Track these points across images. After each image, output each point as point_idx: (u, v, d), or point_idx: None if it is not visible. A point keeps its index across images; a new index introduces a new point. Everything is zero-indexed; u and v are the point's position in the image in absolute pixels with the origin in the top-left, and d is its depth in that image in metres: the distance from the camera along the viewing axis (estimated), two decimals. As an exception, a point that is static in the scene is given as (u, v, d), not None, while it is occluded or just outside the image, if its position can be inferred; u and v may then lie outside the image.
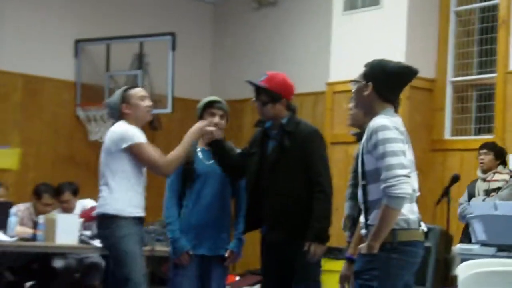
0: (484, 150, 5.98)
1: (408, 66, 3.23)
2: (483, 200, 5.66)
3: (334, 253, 5.85)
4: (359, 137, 3.57)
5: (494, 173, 5.93)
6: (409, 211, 3.12)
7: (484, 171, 5.97)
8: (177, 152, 4.09)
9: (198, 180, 4.31)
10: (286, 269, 4.08)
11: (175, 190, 4.34)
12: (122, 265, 3.98)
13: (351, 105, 3.71)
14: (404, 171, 3.02)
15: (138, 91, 4.21)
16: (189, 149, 4.15)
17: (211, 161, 4.32)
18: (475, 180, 6.03)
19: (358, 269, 3.16)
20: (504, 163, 6.00)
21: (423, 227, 3.20)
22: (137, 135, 4.05)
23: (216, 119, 4.28)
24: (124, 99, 4.15)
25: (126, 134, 4.03)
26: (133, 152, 4.02)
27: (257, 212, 4.14)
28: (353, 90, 3.27)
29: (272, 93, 4.11)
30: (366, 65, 3.24)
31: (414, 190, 3.16)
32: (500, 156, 5.99)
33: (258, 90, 4.14)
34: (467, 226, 5.83)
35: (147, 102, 4.18)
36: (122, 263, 3.98)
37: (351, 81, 3.28)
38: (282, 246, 4.07)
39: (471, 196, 5.96)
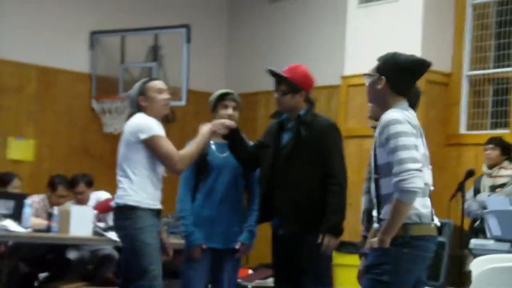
0: (491, 145, 5.91)
1: (421, 59, 3.21)
2: (488, 196, 5.60)
3: (347, 247, 5.84)
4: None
5: (500, 168, 5.86)
6: (422, 205, 3.11)
7: (490, 167, 5.91)
8: (190, 150, 4.07)
9: (211, 173, 4.30)
10: (296, 262, 4.06)
11: (189, 183, 4.34)
12: (141, 257, 3.95)
13: None
14: (416, 165, 3.01)
15: (156, 84, 4.18)
16: (201, 150, 4.13)
17: (225, 154, 4.32)
18: (481, 176, 5.97)
19: (369, 263, 3.15)
20: (510, 159, 5.93)
21: (436, 221, 3.17)
22: (154, 128, 4.02)
23: (230, 111, 4.29)
24: (142, 91, 4.14)
25: (144, 126, 4.01)
26: (149, 145, 4.00)
27: (270, 204, 4.13)
28: (366, 84, 3.25)
29: (293, 84, 4.11)
30: (379, 59, 3.22)
31: (426, 184, 3.14)
32: (507, 152, 5.92)
33: (279, 79, 4.14)
34: (473, 222, 5.79)
35: (165, 95, 4.15)
36: (141, 254, 3.95)
37: (365, 74, 3.26)
38: (293, 239, 4.06)
39: (477, 191, 5.90)
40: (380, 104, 3.22)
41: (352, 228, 6.64)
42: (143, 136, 3.99)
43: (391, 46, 6.96)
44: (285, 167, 4.07)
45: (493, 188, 5.75)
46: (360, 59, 6.82)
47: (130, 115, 4.16)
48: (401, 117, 3.08)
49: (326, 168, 4.02)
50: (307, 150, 4.05)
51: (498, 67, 6.65)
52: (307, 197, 4.03)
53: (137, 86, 4.19)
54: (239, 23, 8.90)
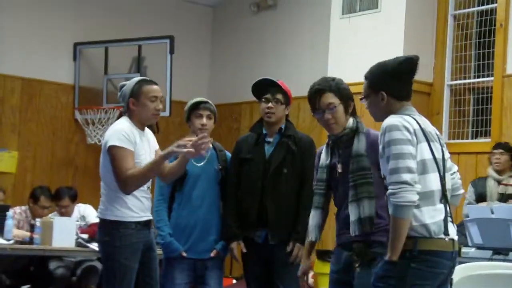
0: (499, 150, 5.86)
1: (405, 59, 3.08)
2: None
3: (328, 256, 5.85)
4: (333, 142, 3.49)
5: (510, 176, 5.81)
6: (430, 216, 2.91)
7: (498, 172, 5.84)
8: (141, 172, 3.68)
9: (187, 182, 4.25)
10: (279, 271, 4.14)
11: (164, 192, 4.29)
12: (112, 278, 3.76)
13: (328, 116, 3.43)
14: (407, 175, 2.84)
15: (151, 89, 3.83)
16: (156, 170, 3.77)
17: (201, 163, 4.29)
18: (483, 178, 5.89)
19: (376, 275, 2.99)
20: None
21: (453, 235, 2.96)
22: (119, 138, 3.72)
23: (204, 120, 4.20)
24: (135, 93, 3.82)
25: (112, 134, 3.77)
26: (110, 153, 3.72)
27: (258, 215, 4.14)
28: (366, 107, 3.13)
29: (286, 96, 4.17)
30: (367, 76, 3.11)
31: (433, 191, 2.93)
32: None
33: (277, 89, 4.14)
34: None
35: (157, 105, 3.85)
36: (113, 275, 3.76)
37: (361, 99, 3.15)
38: (283, 249, 4.12)
39: (480, 195, 5.83)
40: (388, 115, 3.04)
41: (333, 237, 6.66)
42: (108, 144, 3.74)
43: (373, 56, 6.98)
44: (276, 179, 4.11)
45: (504, 197, 5.68)
46: (343, 69, 6.85)
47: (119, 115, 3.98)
48: (398, 122, 2.92)
49: (303, 182, 4.11)
50: (293, 164, 4.12)
51: (479, 76, 6.71)
52: (293, 207, 4.12)
53: (131, 84, 3.86)
54: (223, 34, 8.93)
